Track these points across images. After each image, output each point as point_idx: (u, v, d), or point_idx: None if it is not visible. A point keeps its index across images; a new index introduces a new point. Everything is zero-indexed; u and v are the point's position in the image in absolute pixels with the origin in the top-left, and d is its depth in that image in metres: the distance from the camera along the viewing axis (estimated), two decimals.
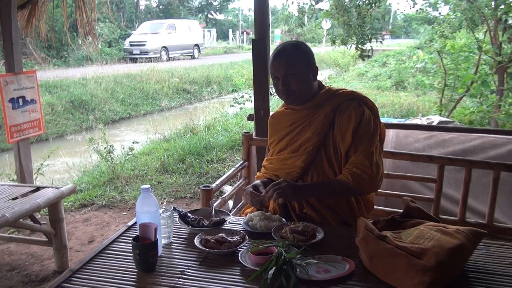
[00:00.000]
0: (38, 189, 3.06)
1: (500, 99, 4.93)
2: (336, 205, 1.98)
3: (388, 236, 1.54)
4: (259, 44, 2.91)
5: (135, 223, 1.92)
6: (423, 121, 5.22)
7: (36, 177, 4.15)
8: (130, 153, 5.22)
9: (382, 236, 1.54)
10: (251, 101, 10.00)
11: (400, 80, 12.04)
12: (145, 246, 1.52)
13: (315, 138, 1.98)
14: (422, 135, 3.75)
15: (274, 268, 1.45)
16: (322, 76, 14.15)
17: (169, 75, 14.57)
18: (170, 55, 20.49)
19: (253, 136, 2.88)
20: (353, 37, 4.60)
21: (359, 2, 4.40)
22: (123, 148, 5.38)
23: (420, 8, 6.53)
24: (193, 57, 22.01)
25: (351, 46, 4.79)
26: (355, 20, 4.46)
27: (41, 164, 4.42)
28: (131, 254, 1.60)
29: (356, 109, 1.94)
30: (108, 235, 3.62)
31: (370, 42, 4.73)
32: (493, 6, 4.94)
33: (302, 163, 2.00)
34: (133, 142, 5.48)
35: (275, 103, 7.61)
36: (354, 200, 2.01)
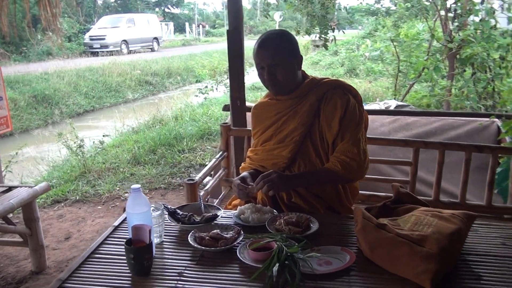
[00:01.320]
0: (10, 189, 2.77)
1: (451, 83, 4.98)
2: (323, 193, 1.89)
3: (387, 224, 1.45)
4: (234, 34, 2.74)
5: (122, 222, 1.75)
6: (381, 105, 5.22)
7: (5, 175, 3.83)
8: (100, 146, 4.92)
9: (381, 225, 1.44)
10: (214, 90, 9.86)
11: (352, 68, 12.18)
12: (139, 250, 1.36)
13: (301, 128, 1.87)
14: (387, 119, 3.72)
15: (277, 264, 1.33)
16: None
17: (130, 67, 14.11)
18: (130, 48, 19.90)
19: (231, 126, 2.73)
20: (317, 27, 4.51)
21: None
22: (93, 142, 5.08)
23: (361, 2, 6.37)
24: (152, 50, 21.48)
25: (316, 35, 4.70)
26: (318, 11, 4.36)
27: (9, 161, 4.09)
28: (122, 258, 1.44)
29: (341, 97, 1.84)
30: (85, 230, 3.39)
31: (333, 31, 4.66)
32: None
33: (289, 154, 1.89)
34: (103, 135, 5.19)
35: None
36: (341, 187, 1.92)
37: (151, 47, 21.60)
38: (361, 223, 1.48)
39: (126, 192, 4.12)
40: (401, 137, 3.39)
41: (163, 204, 1.67)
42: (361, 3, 6.34)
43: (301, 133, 1.87)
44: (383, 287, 1.29)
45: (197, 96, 8.74)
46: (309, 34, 4.85)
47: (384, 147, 3.19)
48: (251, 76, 9.36)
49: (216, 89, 10.08)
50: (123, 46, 19.46)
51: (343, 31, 5.10)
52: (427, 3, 5.23)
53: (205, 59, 15.77)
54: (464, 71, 5.08)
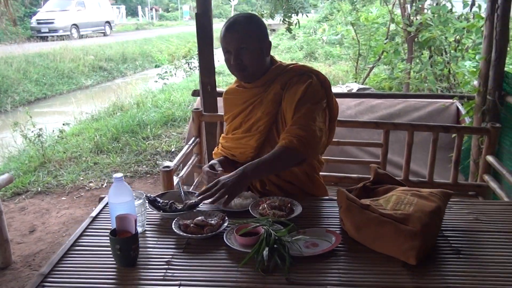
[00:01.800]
0: None
1: (410, 66, 5.13)
2: (295, 179, 1.87)
3: (371, 205, 1.48)
4: (203, 18, 2.68)
5: (100, 213, 1.69)
6: (344, 88, 5.32)
7: None
8: (60, 135, 4.72)
9: (365, 206, 1.48)
10: (173, 76, 9.68)
11: (311, 52, 12.27)
12: (126, 240, 1.33)
13: (265, 118, 1.82)
14: (353, 102, 3.80)
15: (267, 248, 1.33)
16: None
17: (83, 53, 13.57)
18: (81, 33, 19.03)
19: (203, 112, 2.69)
20: (280, 11, 4.50)
21: None
22: (53, 131, 4.86)
23: None
24: (105, 34, 20.69)
25: (280, 19, 4.69)
26: None
27: None
28: (105, 249, 1.41)
29: (304, 81, 1.78)
30: (50, 222, 3.26)
31: (297, 15, 4.66)
32: None
33: (255, 143, 1.86)
34: (63, 124, 4.98)
35: None
36: (311, 169, 1.90)
37: (103, 31, 20.79)
38: (345, 204, 1.51)
39: (91, 182, 4.00)
40: (367, 119, 3.48)
41: (144, 193, 1.63)
42: None
43: (265, 123, 1.83)
44: (370, 266, 1.32)
45: (156, 81, 8.54)
46: (272, 18, 4.83)
47: (351, 130, 3.26)
48: None
49: (175, 74, 9.91)
50: (74, 31, 18.58)
51: (306, 15, 5.12)
52: None
53: (161, 43, 15.41)
54: (422, 54, 5.24)
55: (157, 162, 4.35)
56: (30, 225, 3.23)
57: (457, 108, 3.56)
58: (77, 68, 12.54)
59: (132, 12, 34.63)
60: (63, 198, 3.71)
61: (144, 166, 4.30)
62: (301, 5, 4.47)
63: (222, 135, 2.05)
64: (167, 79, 8.45)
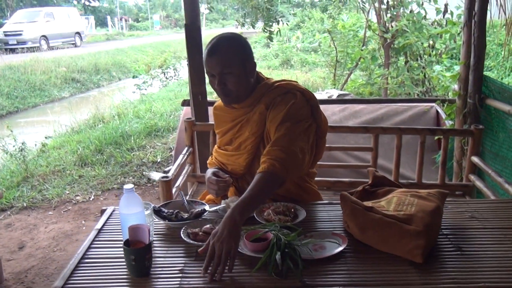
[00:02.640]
0: None
1: (388, 71, 5.28)
2: (287, 192, 1.85)
3: (374, 207, 1.54)
4: (192, 28, 2.71)
5: (104, 224, 1.69)
6: (324, 94, 5.42)
7: None
8: (42, 148, 4.64)
9: (368, 208, 1.54)
10: (151, 85, 9.63)
11: (287, 59, 12.41)
12: (140, 251, 1.34)
13: (252, 137, 1.81)
14: (337, 108, 3.89)
15: (278, 253, 1.37)
16: None
17: (55, 64, 13.32)
18: (51, 44, 18.66)
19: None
20: (260, 20, 4.57)
21: None
22: (35, 145, 4.77)
23: None
24: (75, 45, 20.39)
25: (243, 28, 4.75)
26: (263, 4, 4.42)
27: None
28: (115, 260, 1.42)
29: (288, 100, 1.73)
30: (39, 238, 3.20)
31: (278, 24, 4.75)
32: None
33: (244, 162, 1.86)
34: (45, 137, 4.89)
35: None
36: (301, 180, 1.90)
37: (74, 42, 20.47)
38: (349, 207, 1.56)
39: (78, 195, 3.94)
40: (351, 124, 3.58)
41: (150, 204, 1.64)
42: None
43: (253, 142, 1.82)
44: (378, 265, 1.37)
45: (134, 92, 8.48)
46: (253, 27, 4.91)
47: (337, 135, 3.35)
48: (187, 70, 9.22)
49: (151, 85, 9.87)
50: (43, 42, 18.23)
51: (287, 23, 5.22)
52: None
53: (134, 54, 15.31)
54: (399, 59, 5.41)
55: (144, 173, 4.33)
56: (18, 241, 3.17)
57: (437, 112, 3.70)
58: (49, 80, 12.30)
59: (101, 23, 34.30)
60: (50, 213, 3.64)
61: (130, 178, 4.26)
62: (281, 14, 4.55)
63: (215, 147, 2.04)
64: (145, 89, 8.41)
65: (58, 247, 3.06)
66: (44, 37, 18.35)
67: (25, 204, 3.76)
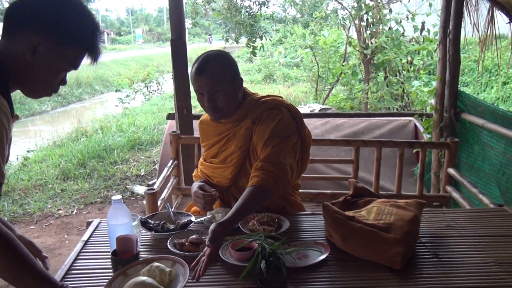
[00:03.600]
0: None
1: (369, 86, 5.42)
2: (272, 205, 1.88)
3: (355, 216, 1.60)
4: (178, 43, 2.77)
5: (90, 236, 1.71)
6: (306, 109, 5.52)
7: None
8: (24, 162, 4.60)
9: (350, 217, 1.59)
10: (133, 99, 9.64)
11: (269, 74, 12.56)
12: (128, 261, 1.37)
13: (238, 151, 1.85)
14: (319, 121, 3.97)
15: (263, 261, 1.41)
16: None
17: None
18: None
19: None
20: (244, 35, 4.66)
21: (249, 3, 4.46)
22: (17, 158, 4.72)
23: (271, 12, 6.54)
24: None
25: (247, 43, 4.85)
26: (246, 20, 4.51)
27: None
28: (102, 271, 1.44)
29: (276, 116, 1.78)
30: None
31: (261, 39, 4.84)
32: (355, 6, 5.40)
33: (230, 175, 1.90)
34: (27, 151, 4.85)
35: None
36: (285, 193, 1.94)
37: None
38: (331, 217, 1.62)
39: (60, 209, 3.91)
40: (333, 138, 3.66)
41: (137, 215, 1.67)
42: (271, 14, 6.55)
43: (238, 156, 1.85)
44: (359, 272, 1.42)
45: (117, 106, 8.47)
46: (237, 42, 4.99)
47: (319, 148, 3.43)
48: (170, 84, 9.26)
49: (134, 98, 9.87)
50: None
51: (269, 39, 5.32)
52: (343, 13, 5.66)
53: (117, 67, 15.29)
54: (378, 75, 5.56)
55: (127, 186, 4.33)
56: None
57: (415, 125, 3.81)
58: None
59: None
60: (32, 227, 3.60)
61: (114, 191, 4.25)
62: (264, 30, 4.65)
63: (201, 159, 2.07)
64: (128, 103, 8.41)
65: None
66: None
67: (6, 218, 3.70)
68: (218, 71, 1.74)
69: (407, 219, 1.58)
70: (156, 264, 1.33)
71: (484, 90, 9.01)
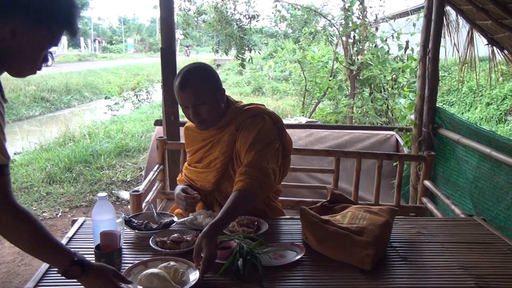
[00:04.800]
0: None
1: (353, 101, 5.55)
2: (254, 209, 1.94)
3: (330, 220, 1.68)
4: (167, 52, 2.85)
5: (75, 234, 1.76)
6: (292, 121, 5.62)
7: None
8: (11, 165, 4.60)
9: (325, 220, 1.67)
10: (122, 108, 9.68)
11: (259, 87, 12.71)
12: (111, 254, 1.42)
13: (222, 157, 1.93)
14: (303, 133, 4.07)
15: (240, 259, 1.48)
16: None
17: (24, 83, 13.14)
18: None
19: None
20: (234, 47, 4.77)
21: (239, 17, 4.59)
22: None
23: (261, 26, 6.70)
24: (46, 64, 20.10)
25: (235, 55, 4.96)
26: (236, 32, 4.62)
27: None
28: None
29: (258, 123, 1.87)
30: (4, 252, 3.18)
31: (250, 52, 4.95)
32: (343, 24, 5.56)
33: (213, 179, 1.97)
34: (14, 153, 4.86)
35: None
36: (267, 198, 2.03)
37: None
38: (308, 220, 1.69)
39: (45, 212, 3.93)
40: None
41: (122, 213, 1.73)
42: (261, 28, 6.70)
43: (222, 161, 1.93)
44: (332, 272, 1.50)
45: (105, 113, 8.51)
46: (227, 54, 5.10)
47: (303, 159, 3.52)
48: (159, 93, 9.31)
49: (123, 106, 9.91)
50: None
51: (259, 52, 5.45)
52: (331, 29, 5.82)
53: (107, 75, 15.35)
54: (363, 90, 5.71)
55: (113, 191, 4.36)
56: None
57: (396, 140, 3.93)
58: (18, 98, 12.12)
59: (73, 43, 34.13)
60: None
61: (96, 200, 4.27)
62: (253, 43, 4.77)
63: (185, 164, 2.14)
64: (117, 110, 8.45)
65: (23, 262, 3.05)
66: None
67: None
68: (200, 86, 1.79)
69: (379, 223, 1.66)
70: (173, 263, 1.44)
71: (469, 110, 9.23)
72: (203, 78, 1.82)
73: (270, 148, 1.83)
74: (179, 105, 2.70)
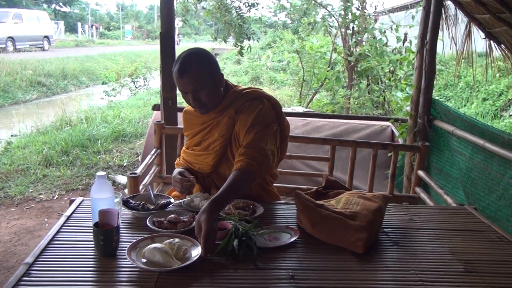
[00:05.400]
0: None
1: (350, 92, 5.57)
2: (251, 192, 1.99)
3: (324, 204, 1.72)
4: (167, 37, 2.86)
5: (73, 213, 1.79)
6: (289, 111, 5.66)
7: None
8: (7, 147, 4.62)
9: (319, 205, 1.71)
10: (120, 93, 9.66)
11: (256, 76, 12.70)
12: (109, 232, 1.45)
13: (221, 139, 1.96)
14: (300, 122, 4.10)
15: (236, 240, 1.52)
16: None
17: (21, 67, 13.07)
18: (18, 46, 18.29)
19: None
20: (232, 36, 4.78)
21: (239, 4, 4.58)
22: (0, 142, 4.73)
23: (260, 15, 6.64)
24: (43, 49, 20.04)
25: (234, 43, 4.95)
26: (236, 20, 4.62)
27: None
28: (83, 243, 1.52)
29: (257, 105, 1.91)
30: (0, 232, 3.21)
31: (249, 40, 4.96)
32: (342, 15, 5.56)
33: (212, 161, 2.01)
34: (11, 135, 4.86)
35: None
36: (264, 181, 2.09)
37: (42, 46, 20.14)
38: (302, 204, 1.73)
39: (41, 194, 3.95)
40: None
41: (120, 193, 1.76)
42: (259, 17, 6.68)
43: (221, 144, 1.96)
44: (325, 254, 1.53)
45: (102, 98, 8.49)
46: (225, 42, 5.10)
47: (299, 147, 3.56)
48: (157, 81, 9.28)
49: (120, 92, 9.89)
50: (9, 44, 17.86)
51: (257, 41, 5.45)
52: (330, 20, 5.82)
53: (104, 61, 15.28)
54: (361, 82, 5.73)
55: (109, 175, 4.38)
56: None
57: (392, 131, 3.97)
58: (14, 82, 12.06)
59: (70, 29, 33.89)
60: (12, 209, 3.64)
61: (95, 179, 4.29)
62: (252, 32, 4.77)
63: (183, 148, 2.17)
64: (114, 96, 8.44)
65: (19, 242, 3.08)
66: (11, 38, 17.98)
67: None
68: (198, 72, 1.81)
69: (372, 209, 1.69)
70: (177, 240, 1.48)
71: (465, 105, 9.27)
72: (201, 63, 1.83)
73: (269, 130, 1.87)
74: (177, 90, 2.73)
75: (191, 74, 1.80)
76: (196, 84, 1.81)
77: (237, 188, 1.71)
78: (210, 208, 1.52)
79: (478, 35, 4.02)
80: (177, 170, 2.06)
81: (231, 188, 1.68)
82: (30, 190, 4.01)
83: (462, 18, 3.97)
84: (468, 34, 3.97)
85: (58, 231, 1.63)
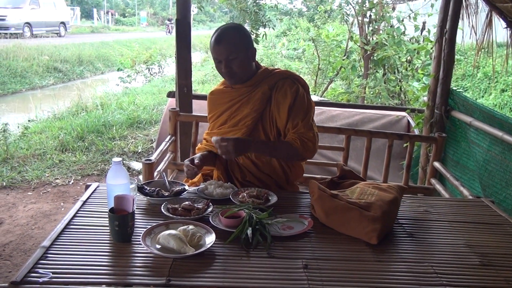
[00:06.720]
0: None
1: (366, 82, 5.51)
2: (273, 173, 2.08)
3: (339, 194, 1.71)
4: (182, 23, 2.85)
5: (88, 198, 1.81)
6: None
7: None
8: (25, 131, 4.69)
9: (334, 195, 1.70)
10: (135, 80, 9.70)
11: (271, 64, 12.59)
12: (124, 217, 1.46)
13: (253, 114, 2.03)
14: (315, 111, 4.07)
15: (250, 228, 1.52)
16: (194, 60, 14.09)
17: (38, 52, 13.18)
18: (34, 32, 18.38)
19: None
20: (248, 23, 4.74)
21: None
22: (18, 127, 4.80)
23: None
24: (59, 35, 20.12)
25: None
26: (251, 7, 4.59)
27: None
28: (98, 228, 1.54)
29: (291, 86, 2.01)
30: (18, 216, 3.27)
31: (264, 28, 4.92)
32: (359, 2, 5.48)
33: (241, 137, 2.04)
34: (28, 120, 4.93)
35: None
36: (288, 168, 2.12)
37: (58, 32, 20.19)
38: (317, 193, 1.72)
39: (57, 179, 4.01)
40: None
41: (135, 179, 1.77)
42: (275, 5, 6.61)
43: (253, 118, 2.04)
44: (338, 244, 1.53)
45: (118, 85, 8.53)
46: None
47: None
48: (172, 68, 9.25)
49: (135, 79, 9.93)
50: (26, 29, 17.92)
51: (273, 28, 5.40)
52: (347, 8, 5.74)
53: (119, 48, 15.32)
54: (377, 71, 5.65)
55: (124, 162, 4.42)
56: None
57: (408, 121, 3.92)
58: (31, 68, 12.18)
59: (86, 15, 33.96)
60: (29, 193, 3.70)
61: (111, 165, 4.34)
62: (268, 19, 4.73)
63: (206, 131, 2.22)
64: (129, 83, 8.47)
65: (36, 226, 3.13)
66: (28, 24, 18.06)
67: (4, 184, 3.81)
68: (234, 41, 1.94)
69: (387, 200, 1.68)
70: (191, 227, 1.49)
71: (483, 96, 9.11)
72: (237, 35, 1.97)
73: (311, 114, 2.06)
74: (192, 78, 2.73)
75: (226, 42, 1.93)
76: (229, 52, 1.93)
77: (276, 148, 1.99)
78: (244, 139, 1.87)
79: (499, 24, 3.93)
80: (192, 156, 2.08)
81: (271, 144, 1.98)
82: (47, 175, 4.07)
83: (483, 7, 3.88)
84: (489, 24, 3.88)
85: (74, 216, 1.65)
